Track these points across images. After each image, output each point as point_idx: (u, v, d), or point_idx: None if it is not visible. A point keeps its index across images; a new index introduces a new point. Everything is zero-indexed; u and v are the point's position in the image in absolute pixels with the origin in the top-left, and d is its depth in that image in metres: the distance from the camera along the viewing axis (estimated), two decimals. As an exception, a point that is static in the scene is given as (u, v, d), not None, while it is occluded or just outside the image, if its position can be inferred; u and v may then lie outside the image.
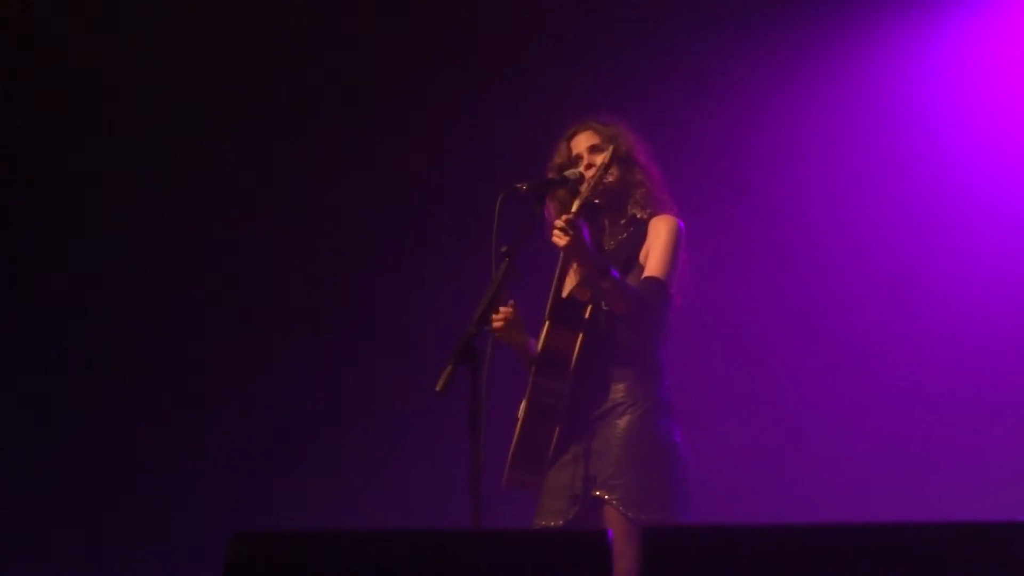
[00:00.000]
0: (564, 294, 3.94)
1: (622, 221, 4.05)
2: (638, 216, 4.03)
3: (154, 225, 5.81)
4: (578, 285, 3.90)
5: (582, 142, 4.09)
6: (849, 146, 5.64)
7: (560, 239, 3.72)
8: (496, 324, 3.86)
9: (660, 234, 3.95)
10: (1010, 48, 5.57)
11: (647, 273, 3.90)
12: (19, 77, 5.77)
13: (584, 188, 3.87)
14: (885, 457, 5.38)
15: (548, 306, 3.92)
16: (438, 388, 3.46)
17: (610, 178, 3.99)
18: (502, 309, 3.88)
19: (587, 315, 3.87)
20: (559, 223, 3.73)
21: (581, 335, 3.83)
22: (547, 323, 3.87)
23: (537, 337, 4.02)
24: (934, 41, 5.60)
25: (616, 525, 3.72)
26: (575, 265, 3.92)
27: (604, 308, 3.84)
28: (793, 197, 5.63)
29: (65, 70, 5.76)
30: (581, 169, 4.01)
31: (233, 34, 5.76)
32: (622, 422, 3.85)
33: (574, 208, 3.80)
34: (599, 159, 4.01)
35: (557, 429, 3.86)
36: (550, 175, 4.06)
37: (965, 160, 5.55)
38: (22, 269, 5.78)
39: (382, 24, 5.83)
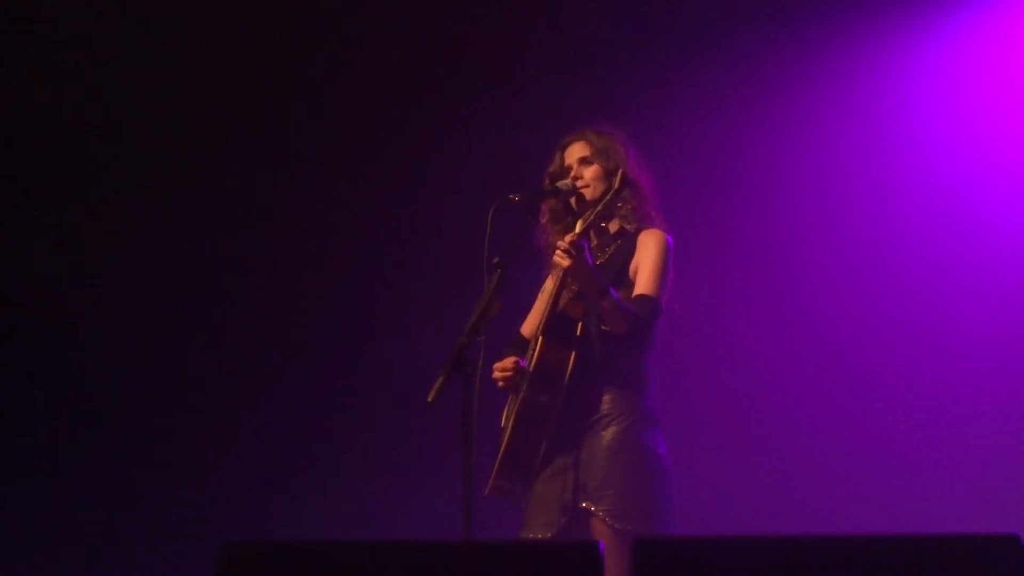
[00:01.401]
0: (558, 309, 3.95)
1: (609, 233, 4.07)
2: (626, 228, 4.05)
3: (150, 229, 5.80)
4: (571, 301, 3.91)
5: (574, 153, 4.11)
6: (844, 152, 5.64)
7: (563, 260, 3.74)
8: (501, 384, 3.94)
9: (649, 250, 3.97)
10: (1008, 52, 5.58)
11: (640, 291, 3.91)
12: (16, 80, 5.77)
13: (590, 212, 3.86)
14: (876, 468, 5.39)
15: (543, 321, 3.92)
16: (429, 398, 3.48)
17: (598, 192, 4.02)
18: (506, 370, 3.92)
19: (579, 332, 3.89)
20: (562, 244, 3.75)
21: (574, 353, 3.85)
22: (540, 338, 3.88)
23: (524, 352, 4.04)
24: (932, 45, 5.61)
25: (603, 536, 3.73)
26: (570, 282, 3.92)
27: (603, 328, 3.85)
28: (786, 204, 5.64)
29: (65, 70, 5.77)
30: (569, 181, 4.03)
31: (225, 38, 5.77)
32: (608, 433, 3.87)
33: (578, 229, 3.81)
34: (587, 172, 4.05)
35: (544, 441, 3.88)
36: (546, 182, 4.10)
37: (964, 164, 5.55)
38: (17, 271, 5.77)
39: (373, 32, 5.85)
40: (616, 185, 3.87)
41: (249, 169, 5.83)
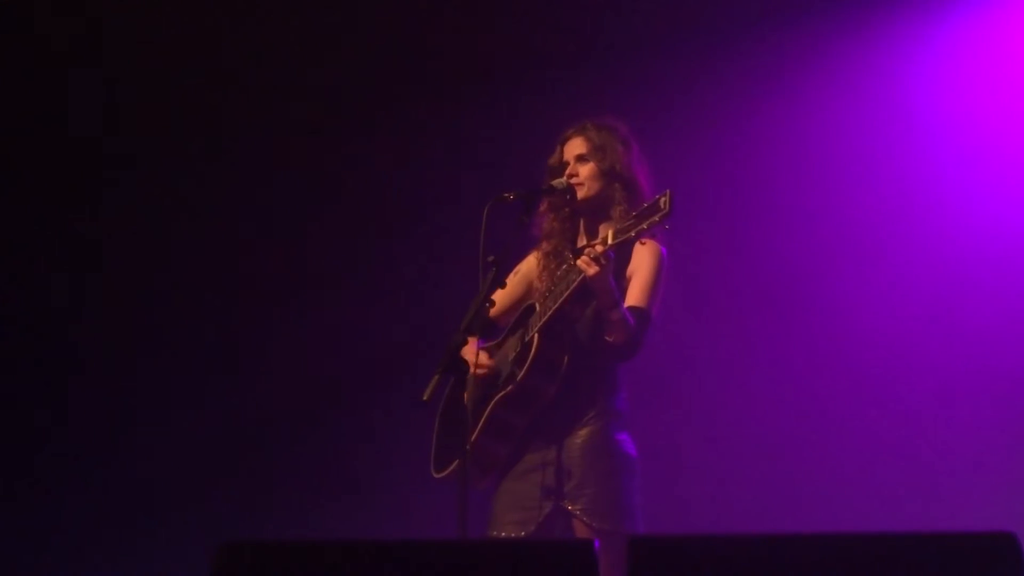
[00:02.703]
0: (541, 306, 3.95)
1: (602, 236, 4.05)
2: None
3: (146, 226, 5.80)
4: (572, 305, 3.89)
5: (572, 149, 4.10)
6: (840, 152, 5.63)
7: (589, 267, 3.69)
8: (479, 371, 3.89)
9: (645, 262, 3.95)
10: (1009, 51, 5.58)
11: (634, 302, 3.89)
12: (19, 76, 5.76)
13: (631, 226, 3.68)
14: (873, 467, 5.39)
15: (545, 320, 3.86)
16: (424, 397, 3.48)
17: (592, 190, 4.02)
18: (481, 362, 3.90)
19: (571, 335, 3.90)
20: (592, 252, 3.70)
21: (567, 356, 3.86)
22: (537, 336, 3.85)
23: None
24: (931, 45, 5.60)
25: (580, 536, 3.77)
26: (558, 280, 3.90)
27: (608, 339, 3.83)
28: (782, 203, 5.64)
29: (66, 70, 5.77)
30: (564, 179, 4.02)
31: (222, 39, 5.77)
32: (584, 433, 3.88)
33: (611, 241, 3.72)
34: (583, 170, 4.04)
35: (518, 437, 3.89)
36: (545, 178, 4.08)
37: (965, 165, 5.53)
38: (13, 267, 5.77)
39: (374, 31, 5.84)
40: (666, 209, 3.62)
41: (248, 167, 5.83)
